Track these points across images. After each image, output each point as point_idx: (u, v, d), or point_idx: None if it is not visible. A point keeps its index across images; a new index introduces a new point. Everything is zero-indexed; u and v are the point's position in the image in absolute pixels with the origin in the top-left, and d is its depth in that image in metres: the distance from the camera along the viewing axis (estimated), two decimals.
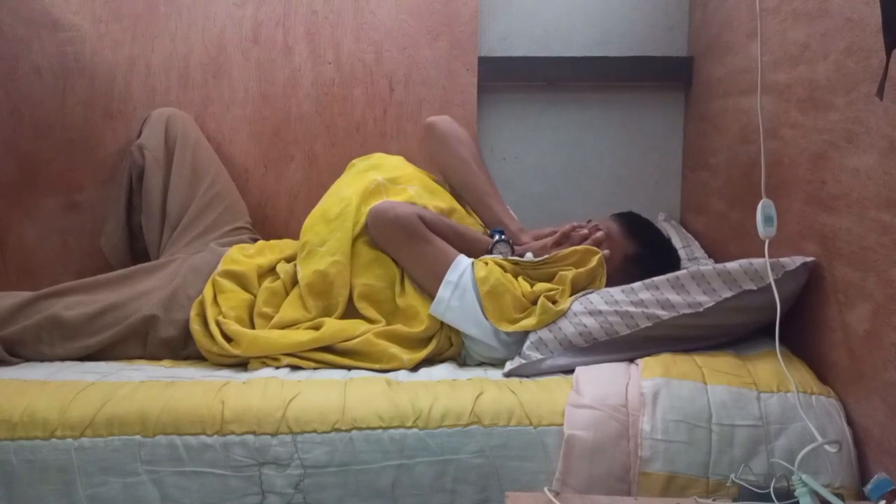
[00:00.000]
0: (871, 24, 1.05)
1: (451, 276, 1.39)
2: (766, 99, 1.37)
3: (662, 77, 1.99)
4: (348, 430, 1.11)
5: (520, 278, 1.42)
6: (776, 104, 1.37)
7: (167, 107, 1.85)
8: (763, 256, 1.22)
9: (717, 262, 1.64)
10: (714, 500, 1.01)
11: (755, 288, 1.23)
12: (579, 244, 1.48)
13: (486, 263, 1.42)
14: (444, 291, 1.38)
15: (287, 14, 1.89)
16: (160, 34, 1.88)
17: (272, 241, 1.66)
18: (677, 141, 2.02)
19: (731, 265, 1.26)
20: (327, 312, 1.43)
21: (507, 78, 1.97)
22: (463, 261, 1.42)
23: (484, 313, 1.36)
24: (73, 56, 1.87)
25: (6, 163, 1.88)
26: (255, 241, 1.70)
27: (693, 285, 1.27)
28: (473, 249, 1.48)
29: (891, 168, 1.02)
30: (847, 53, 1.14)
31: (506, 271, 1.41)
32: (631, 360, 1.26)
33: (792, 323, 1.27)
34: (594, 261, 1.42)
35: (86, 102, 1.88)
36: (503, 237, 1.52)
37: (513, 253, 1.50)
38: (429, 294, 1.42)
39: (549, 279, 1.42)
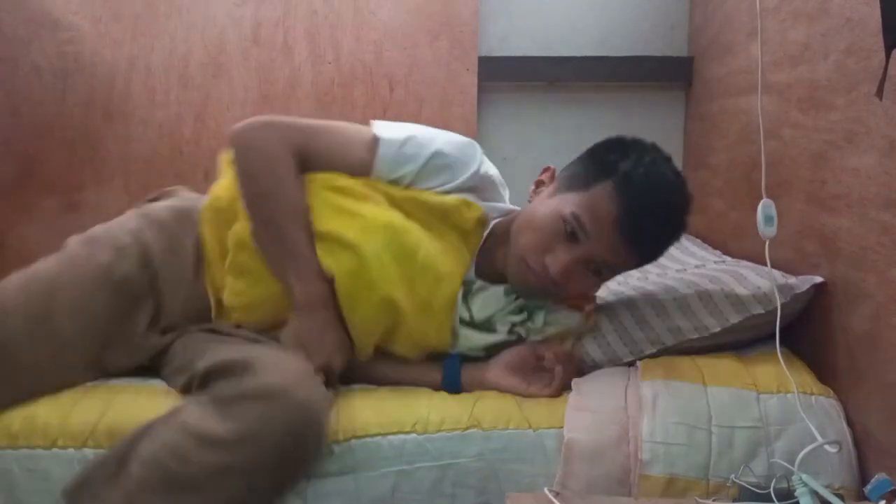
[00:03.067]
0: (871, 24, 1.05)
1: None
2: (767, 99, 1.36)
3: (662, 77, 1.99)
4: (346, 440, 1.11)
5: None
6: (776, 104, 1.37)
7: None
8: (763, 256, 1.22)
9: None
10: (714, 500, 1.01)
11: (763, 311, 1.23)
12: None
13: None
14: None
15: (287, 14, 1.89)
16: (160, 34, 1.88)
17: None
18: (677, 141, 2.02)
19: (741, 291, 1.24)
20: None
21: (507, 78, 1.97)
22: None
23: None
24: (73, 56, 1.87)
25: (6, 163, 1.88)
26: None
27: (700, 307, 1.25)
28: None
29: (891, 168, 1.02)
30: (847, 53, 1.13)
31: None
32: (630, 363, 1.26)
33: (791, 323, 1.26)
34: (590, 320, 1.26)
35: (86, 102, 1.88)
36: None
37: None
38: None
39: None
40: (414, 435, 1.11)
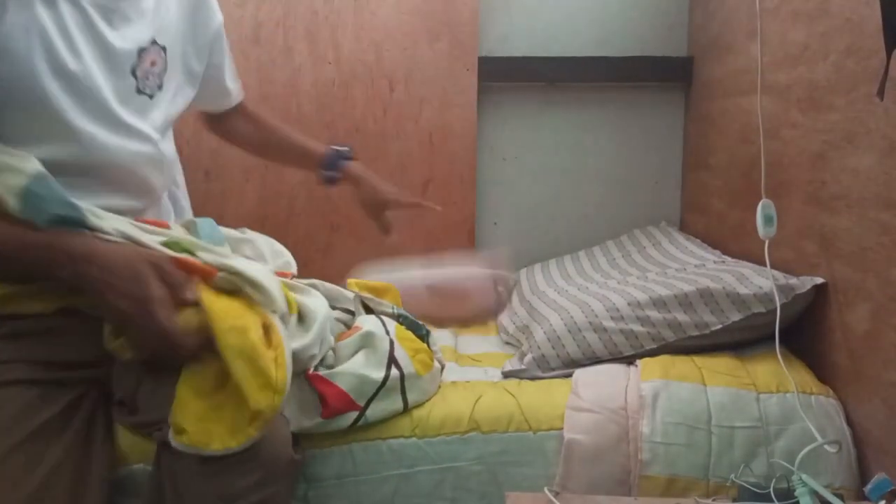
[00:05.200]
0: (871, 25, 1.05)
1: None
2: (766, 99, 1.37)
3: (662, 77, 1.98)
4: (347, 444, 1.11)
5: None
6: (776, 104, 1.37)
7: None
8: (763, 256, 1.22)
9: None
10: (714, 500, 1.01)
11: (764, 311, 1.23)
12: None
13: None
14: None
15: (287, 14, 1.89)
16: None
17: None
18: (677, 141, 2.02)
19: (743, 290, 1.25)
20: None
21: (507, 78, 1.97)
22: None
23: None
24: None
25: None
26: None
27: (701, 304, 1.26)
28: None
29: (891, 168, 1.02)
30: (847, 53, 1.13)
31: None
32: (630, 362, 1.26)
33: (791, 323, 1.26)
34: None
35: None
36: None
37: None
38: None
39: None
40: (413, 439, 1.11)
